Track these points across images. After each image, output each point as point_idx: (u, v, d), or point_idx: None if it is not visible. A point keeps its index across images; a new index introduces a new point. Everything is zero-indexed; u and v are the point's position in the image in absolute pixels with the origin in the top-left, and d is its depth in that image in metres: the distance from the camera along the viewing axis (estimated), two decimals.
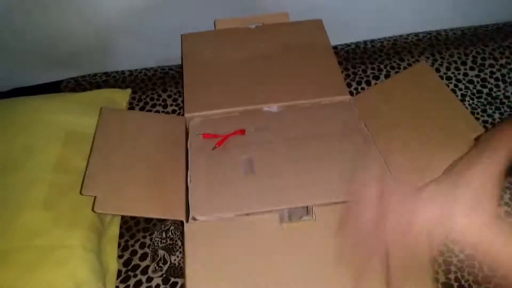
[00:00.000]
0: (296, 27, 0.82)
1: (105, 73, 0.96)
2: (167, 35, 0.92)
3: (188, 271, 0.52)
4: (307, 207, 0.60)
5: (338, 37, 0.96)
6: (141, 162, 0.63)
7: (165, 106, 0.88)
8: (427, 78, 0.72)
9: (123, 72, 0.96)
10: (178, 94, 0.90)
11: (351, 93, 0.74)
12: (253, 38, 0.80)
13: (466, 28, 1.01)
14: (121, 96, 0.88)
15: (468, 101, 0.88)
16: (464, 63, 0.93)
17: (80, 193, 0.59)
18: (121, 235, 0.70)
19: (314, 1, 0.92)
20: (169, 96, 0.90)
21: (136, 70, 0.97)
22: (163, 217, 0.58)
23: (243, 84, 0.73)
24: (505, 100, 0.88)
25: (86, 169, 0.59)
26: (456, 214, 0.42)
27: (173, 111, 0.87)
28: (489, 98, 0.89)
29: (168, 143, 0.67)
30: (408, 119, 0.67)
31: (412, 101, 0.70)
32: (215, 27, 0.83)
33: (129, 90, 0.90)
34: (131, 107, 0.88)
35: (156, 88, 0.92)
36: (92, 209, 0.55)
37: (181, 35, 0.81)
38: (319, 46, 0.79)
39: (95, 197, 0.56)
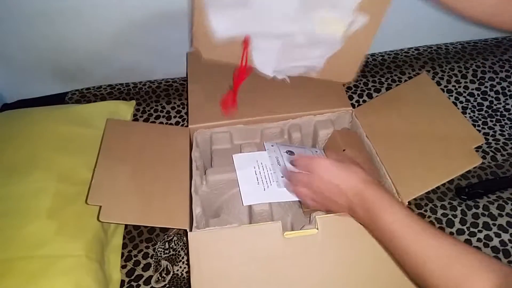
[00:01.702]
0: None
1: (110, 86, 0.98)
2: (171, 50, 0.94)
3: (193, 280, 0.52)
4: (309, 217, 0.60)
5: None
6: (145, 173, 0.64)
7: (169, 118, 0.89)
8: (428, 89, 0.72)
9: (127, 84, 0.98)
10: (181, 106, 0.91)
11: (353, 106, 0.75)
12: None
13: (466, 42, 1.03)
14: (126, 108, 0.89)
15: (469, 113, 0.89)
16: (464, 76, 0.94)
17: (86, 202, 0.60)
18: (124, 246, 0.70)
19: None
20: (173, 108, 0.91)
21: (140, 82, 0.98)
22: (167, 226, 0.59)
23: (245, 98, 0.74)
24: (505, 113, 0.89)
25: (91, 179, 0.60)
26: None
27: (177, 123, 0.88)
28: (489, 111, 0.90)
29: (172, 153, 0.68)
30: (409, 130, 0.68)
31: (413, 112, 0.70)
32: None
33: (133, 102, 0.91)
34: (135, 118, 0.89)
35: (160, 100, 0.93)
36: (97, 218, 0.56)
37: (187, 53, 0.83)
38: None
39: (100, 207, 0.57)
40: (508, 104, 0.90)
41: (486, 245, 0.68)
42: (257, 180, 0.64)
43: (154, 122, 0.89)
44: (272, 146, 0.70)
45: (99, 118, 0.80)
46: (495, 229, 0.70)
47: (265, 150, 0.69)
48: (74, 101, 0.94)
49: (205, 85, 0.77)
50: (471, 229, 0.70)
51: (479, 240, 0.69)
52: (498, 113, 0.89)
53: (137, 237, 0.71)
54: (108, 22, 0.90)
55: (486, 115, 0.89)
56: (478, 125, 0.87)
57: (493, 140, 0.84)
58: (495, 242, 0.69)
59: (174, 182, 0.63)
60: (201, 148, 0.72)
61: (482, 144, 0.74)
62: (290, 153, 0.69)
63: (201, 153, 0.71)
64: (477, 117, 0.89)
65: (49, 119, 0.79)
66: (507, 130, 0.86)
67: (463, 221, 0.71)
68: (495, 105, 0.90)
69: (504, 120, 0.88)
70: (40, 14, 0.85)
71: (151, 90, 0.95)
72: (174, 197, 0.61)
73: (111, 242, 0.69)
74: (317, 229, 0.56)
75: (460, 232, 0.70)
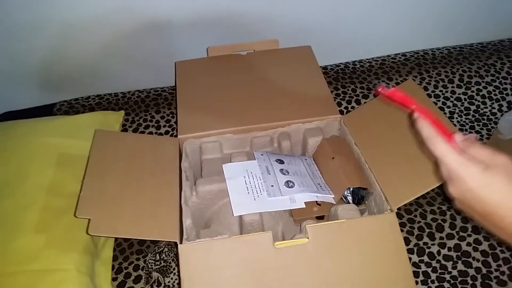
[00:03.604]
0: (286, 53, 0.84)
1: (98, 96, 0.97)
2: (159, 60, 0.94)
3: None
4: (300, 226, 0.60)
5: (327, 58, 0.99)
6: (134, 184, 0.64)
7: (158, 127, 0.89)
8: (415, 95, 0.73)
9: (116, 94, 0.97)
10: (171, 115, 0.91)
11: (341, 112, 0.75)
12: (244, 64, 0.82)
13: (452, 47, 1.04)
14: (114, 118, 0.88)
15: (457, 118, 0.90)
16: (451, 81, 0.95)
17: (74, 215, 0.59)
18: (114, 258, 0.70)
19: (303, 26, 0.94)
20: (162, 117, 0.91)
21: (129, 92, 0.98)
22: (157, 239, 0.58)
23: (234, 107, 0.74)
24: (492, 117, 0.90)
25: (80, 192, 0.59)
26: None
27: (166, 132, 0.88)
28: (476, 115, 0.91)
29: (161, 164, 0.67)
30: (398, 136, 0.68)
31: (401, 118, 0.71)
32: (207, 54, 0.84)
33: (122, 112, 0.91)
34: (124, 128, 0.89)
35: (149, 110, 0.93)
36: (87, 232, 0.55)
37: (175, 62, 0.83)
38: (309, 70, 0.81)
39: (89, 220, 0.56)
40: (494, 108, 0.91)
41: (475, 249, 0.69)
42: (247, 189, 0.64)
43: (143, 132, 0.88)
44: (262, 155, 0.70)
45: (88, 129, 0.79)
46: (484, 232, 0.71)
47: (255, 159, 0.69)
48: (62, 112, 0.93)
49: (194, 95, 0.78)
50: (461, 234, 0.71)
51: (468, 244, 0.70)
52: (485, 117, 0.90)
53: (127, 249, 0.70)
54: (96, 33, 0.89)
55: (473, 119, 0.90)
56: (466, 130, 0.88)
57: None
58: (484, 246, 0.69)
59: (163, 194, 0.63)
60: (190, 158, 0.72)
61: None
62: (280, 161, 0.69)
63: (190, 163, 0.71)
64: (464, 121, 0.90)
65: (37, 131, 0.78)
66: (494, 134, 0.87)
67: (452, 226, 0.72)
68: (482, 109, 0.92)
69: (490, 124, 0.89)
70: (27, 26, 0.84)
71: (140, 100, 0.95)
72: (164, 209, 0.61)
73: (101, 254, 0.68)
74: (308, 238, 0.56)
75: (449, 236, 0.71)
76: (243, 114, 0.74)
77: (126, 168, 0.65)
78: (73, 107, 0.94)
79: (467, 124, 0.89)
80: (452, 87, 0.95)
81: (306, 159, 0.72)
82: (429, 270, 0.67)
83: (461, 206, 0.42)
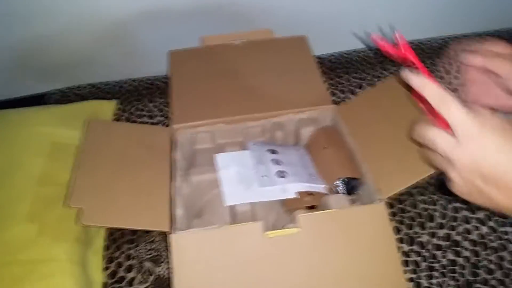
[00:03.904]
0: (280, 43, 0.84)
1: (91, 84, 0.96)
2: (153, 48, 0.93)
3: (175, 282, 0.53)
4: (291, 215, 0.60)
5: (322, 47, 0.98)
6: (127, 174, 0.64)
7: (151, 117, 0.89)
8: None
9: (109, 83, 0.96)
10: (164, 104, 0.90)
11: (337, 102, 0.75)
12: (238, 54, 0.81)
13: (447, 37, 1.03)
14: (107, 107, 0.88)
15: None
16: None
17: (66, 204, 0.59)
18: (106, 247, 0.70)
19: (298, 17, 0.93)
20: (155, 107, 0.90)
21: (122, 81, 0.97)
22: (148, 229, 0.59)
23: (227, 97, 0.74)
24: None
25: (72, 181, 0.59)
26: None
27: (159, 121, 0.88)
28: None
29: (153, 154, 0.67)
30: (390, 127, 0.68)
31: (395, 109, 0.71)
32: (201, 43, 0.84)
33: (115, 101, 0.90)
34: (117, 118, 0.88)
35: (142, 99, 0.92)
36: (79, 221, 0.55)
37: (169, 51, 0.82)
38: (303, 60, 0.80)
39: (81, 209, 0.56)
40: None
41: (465, 238, 0.70)
42: (239, 179, 0.64)
43: (136, 121, 0.88)
44: (255, 145, 0.70)
45: (80, 119, 0.79)
46: (474, 222, 0.71)
47: (248, 149, 0.69)
48: (54, 101, 0.92)
49: (187, 85, 0.77)
50: (451, 223, 0.72)
51: (458, 234, 0.70)
52: None
53: (119, 239, 0.70)
54: (88, 21, 0.88)
55: None
56: None
57: None
58: (474, 235, 0.70)
59: (156, 184, 0.63)
60: (183, 148, 0.72)
61: None
62: (273, 152, 0.69)
63: (183, 153, 0.71)
64: None
65: (28, 121, 0.78)
66: None
67: (442, 216, 0.73)
68: None
69: None
70: (16, 15, 0.83)
71: (133, 89, 0.95)
72: (156, 199, 0.61)
73: (93, 244, 0.68)
74: (298, 227, 0.56)
75: (440, 226, 0.71)
76: (236, 104, 0.74)
77: (118, 158, 0.66)
78: (65, 96, 0.93)
79: None
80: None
81: (298, 149, 0.72)
82: (419, 259, 0.68)
83: (464, 182, 0.41)
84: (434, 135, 0.43)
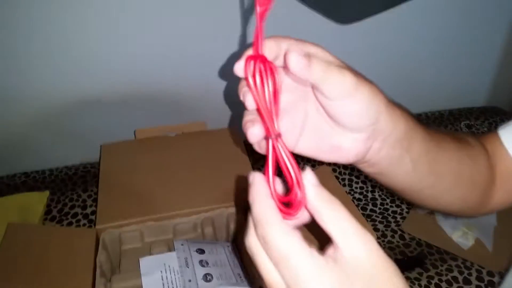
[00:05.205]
0: (213, 135, 0.86)
1: (25, 173, 0.94)
2: (89, 136, 0.93)
3: None
4: None
5: None
6: (45, 284, 0.61)
7: (84, 207, 0.87)
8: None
9: (43, 171, 0.95)
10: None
11: None
12: (171, 146, 0.83)
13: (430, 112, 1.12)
14: (38, 200, 0.86)
15: (378, 192, 0.93)
16: None
17: None
18: None
19: (231, 108, 0.97)
20: (89, 196, 0.89)
21: (57, 169, 0.95)
22: None
23: (158, 193, 0.73)
24: None
25: None
26: None
27: (92, 212, 0.86)
28: None
29: (76, 260, 0.65)
30: None
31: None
32: (135, 136, 0.85)
33: (47, 192, 0.88)
34: (48, 209, 0.86)
35: (76, 188, 0.90)
36: None
37: (101, 145, 0.82)
38: (235, 152, 0.82)
39: None
40: None
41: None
42: (163, 286, 0.62)
43: (69, 212, 0.86)
44: (182, 245, 0.69)
45: (8, 215, 0.77)
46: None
47: (175, 250, 0.68)
48: None
49: (117, 181, 0.77)
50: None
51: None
52: None
53: None
54: (23, 106, 0.88)
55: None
56: (386, 203, 0.90)
57: (400, 218, 0.87)
58: None
59: None
60: (109, 249, 0.70)
61: (391, 222, 0.79)
62: (201, 251, 0.68)
63: (109, 254, 0.69)
64: (385, 194, 0.93)
65: None
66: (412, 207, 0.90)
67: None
68: None
69: None
70: None
71: (67, 178, 0.93)
72: None
73: None
74: None
75: None
76: (167, 199, 0.74)
77: (36, 267, 0.63)
78: None
79: (388, 197, 0.91)
80: None
81: (228, 246, 0.72)
82: None
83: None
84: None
